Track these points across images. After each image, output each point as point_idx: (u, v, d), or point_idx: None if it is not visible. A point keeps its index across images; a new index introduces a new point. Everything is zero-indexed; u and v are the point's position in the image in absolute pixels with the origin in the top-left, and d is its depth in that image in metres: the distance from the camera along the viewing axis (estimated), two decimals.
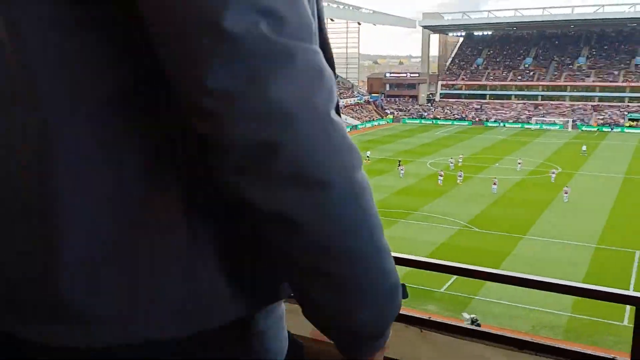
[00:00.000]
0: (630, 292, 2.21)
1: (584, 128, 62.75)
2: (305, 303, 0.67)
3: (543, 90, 73.09)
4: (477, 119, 69.37)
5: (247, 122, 0.55)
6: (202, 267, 0.66)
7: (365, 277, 0.63)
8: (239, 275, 0.69)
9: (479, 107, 73.67)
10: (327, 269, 0.61)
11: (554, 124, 63.33)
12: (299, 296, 0.67)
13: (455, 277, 14.66)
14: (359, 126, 64.83)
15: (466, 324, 2.41)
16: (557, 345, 2.22)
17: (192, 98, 0.57)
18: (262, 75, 0.54)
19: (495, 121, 68.08)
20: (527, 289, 2.23)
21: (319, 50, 0.60)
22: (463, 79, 79.48)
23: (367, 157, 40.91)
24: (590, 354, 2.20)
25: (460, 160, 39.83)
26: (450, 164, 39.08)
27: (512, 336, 2.30)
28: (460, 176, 34.24)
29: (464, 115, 71.08)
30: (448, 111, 71.84)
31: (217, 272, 0.67)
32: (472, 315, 14.42)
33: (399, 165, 37.78)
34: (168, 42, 0.57)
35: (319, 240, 0.60)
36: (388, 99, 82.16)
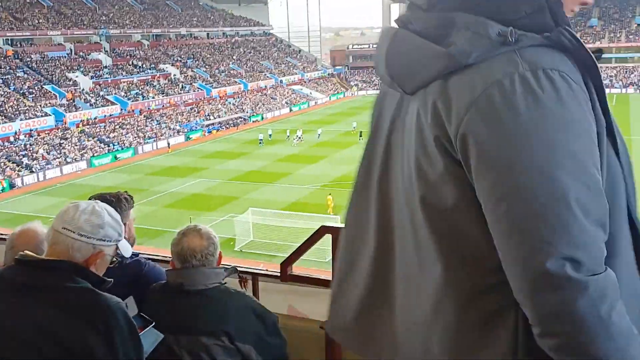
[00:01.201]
0: None
1: None
2: None
3: None
4: None
5: (556, 323, 0.90)
6: None
7: None
8: None
9: None
10: None
11: None
12: None
13: None
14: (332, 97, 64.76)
15: None
16: None
17: (520, 299, 0.93)
18: (565, 300, 0.88)
19: None
20: None
21: (608, 273, 0.90)
22: None
23: (354, 127, 42.68)
24: None
25: None
26: None
27: None
28: None
29: None
30: None
31: None
32: None
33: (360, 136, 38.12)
34: (507, 265, 0.93)
35: None
36: (352, 71, 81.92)
